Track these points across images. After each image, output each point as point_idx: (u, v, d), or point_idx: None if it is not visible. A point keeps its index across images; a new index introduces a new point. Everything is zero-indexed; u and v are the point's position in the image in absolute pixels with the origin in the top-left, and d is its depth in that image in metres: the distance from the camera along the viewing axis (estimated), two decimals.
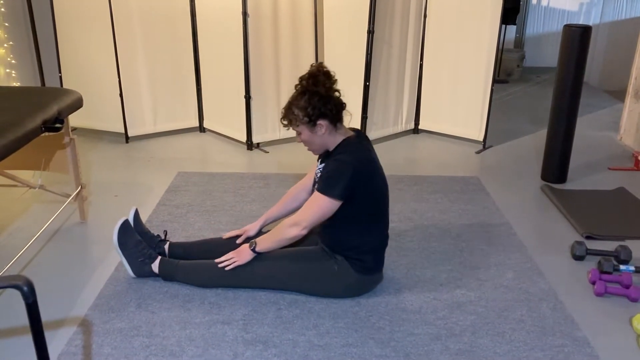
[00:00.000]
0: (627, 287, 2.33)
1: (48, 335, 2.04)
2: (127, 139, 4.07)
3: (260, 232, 2.43)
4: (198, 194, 3.21)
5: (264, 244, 2.22)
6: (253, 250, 2.23)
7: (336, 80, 2.17)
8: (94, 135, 4.20)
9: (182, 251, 2.44)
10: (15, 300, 2.22)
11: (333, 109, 2.12)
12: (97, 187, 3.32)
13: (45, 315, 2.15)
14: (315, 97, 2.09)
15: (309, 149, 2.23)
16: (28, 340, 2.01)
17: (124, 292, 2.28)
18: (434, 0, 4.00)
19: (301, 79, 2.14)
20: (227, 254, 2.28)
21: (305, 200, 2.38)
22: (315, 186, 2.20)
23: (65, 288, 2.33)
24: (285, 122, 2.17)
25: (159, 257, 2.35)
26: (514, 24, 5.99)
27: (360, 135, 2.26)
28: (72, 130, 2.74)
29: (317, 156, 2.33)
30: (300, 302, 2.23)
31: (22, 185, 2.84)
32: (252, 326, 2.07)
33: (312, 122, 2.11)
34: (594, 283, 2.39)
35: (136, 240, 2.33)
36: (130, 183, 3.40)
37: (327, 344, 1.99)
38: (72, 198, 2.78)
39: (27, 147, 2.41)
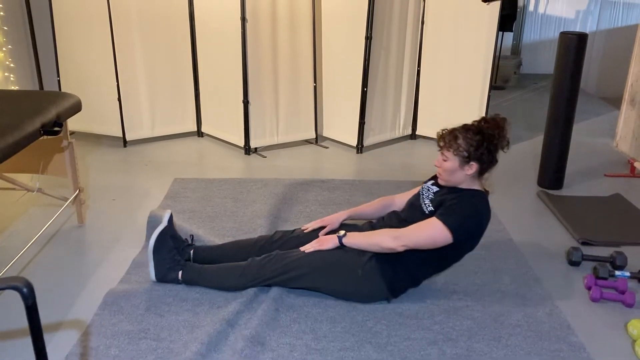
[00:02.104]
0: (623, 292, 2.34)
1: (55, 336, 2.04)
2: (125, 143, 4.07)
3: (340, 226, 2.42)
4: (198, 200, 3.21)
5: (355, 239, 2.22)
6: (340, 240, 2.23)
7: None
8: (92, 139, 4.21)
9: (208, 255, 2.45)
10: (14, 302, 2.22)
11: (492, 161, 2.16)
12: (95, 191, 3.32)
13: (51, 317, 2.15)
14: (487, 143, 2.11)
15: (440, 175, 2.22)
16: (27, 342, 2.01)
17: (134, 295, 2.28)
18: (432, 7, 4.03)
19: (484, 119, 2.17)
20: (312, 243, 2.28)
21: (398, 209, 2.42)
22: (424, 203, 2.21)
23: (64, 291, 2.33)
24: (442, 144, 2.18)
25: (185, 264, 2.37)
26: (511, 31, 6.03)
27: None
28: (70, 134, 2.75)
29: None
30: (297, 306, 2.23)
31: (20, 189, 2.84)
32: (251, 329, 2.07)
33: (467, 159, 2.12)
34: (589, 288, 2.40)
35: (169, 247, 2.34)
36: (128, 187, 3.40)
37: (324, 348, 2.00)
38: (70, 201, 2.78)
39: (26, 151, 2.41)
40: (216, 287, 2.33)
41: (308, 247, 2.27)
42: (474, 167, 2.14)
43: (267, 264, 2.26)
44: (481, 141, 2.11)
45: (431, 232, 2.11)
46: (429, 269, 2.28)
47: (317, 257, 2.24)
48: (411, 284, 2.29)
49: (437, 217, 2.12)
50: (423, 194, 2.29)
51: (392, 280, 2.22)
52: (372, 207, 2.49)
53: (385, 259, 2.20)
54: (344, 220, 2.45)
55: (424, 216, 2.19)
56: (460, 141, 2.12)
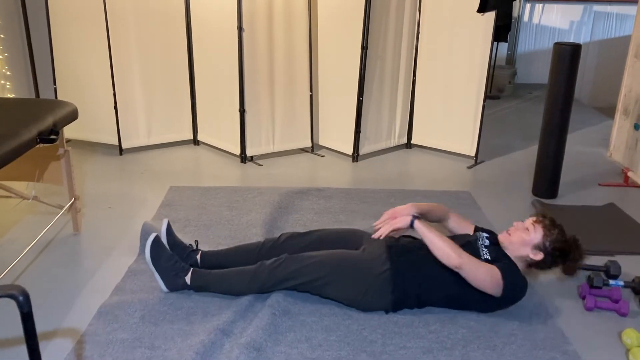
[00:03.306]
0: (617, 301, 2.35)
1: (50, 344, 2.04)
2: (121, 151, 4.07)
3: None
4: (193, 209, 3.21)
5: (427, 229, 2.20)
6: (412, 220, 2.23)
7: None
8: (88, 147, 4.21)
9: (215, 260, 2.46)
10: (9, 309, 2.21)
11: (548, 266, 2.28)
12: (91, 199, 3.32)
13: (46, 325, 2.15)
14: (563, 257, 2.25)
15: (509, 236, 2.27)
16: (22, 350, 2.01)
17: (129, 303, 2.28)
18: (427, 17, 4.06)
19: (577, 242, 2.27)
20: (385, 226, 2.26)
21: (447, 227, 2.50)
22: (482, 249, 2.27)
23: (59, 299, 2.33)
24: (540, 219, 2.27)
25: (191, 269, 2.36)
26: (506, 41, 6.07)
27: None
28: (66, 142, 2.75)
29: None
30: (293, 314, 2.24)
31: (16, 197, 2.84)
32: (246, 336, 2.06)
33: (542, 249, 2.22)
34: (584, 298, 2.41)
35: (168, 255, 2.33)
36: (123, 195, 3.40)
37: (319, 357, 2.00)
38: (66, 209, 2.78)
39: (22, 159, 2.42)
40: (226, 292, 2.33)
41: (383, 232, 2.26)
42: (538, 256, 2.22)
43: (277, 268, 2.27)
44: (563, 251, 2.23)
45: (491, 274, 2.14)
46: (440, 301, 2.28)
47: (332, 263, 2.25)
48: (416, 306, 2.30)
49: (499, 269, 2.16)
50: (479, 239, 2.33)
51: (400, 297, 2.23)
52: (433, 211, 2.46)
53: (402, 276, 2.22)
54: (414, 213, 2.41)
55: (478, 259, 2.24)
56: (554, 233, 2.22)
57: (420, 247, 2.29)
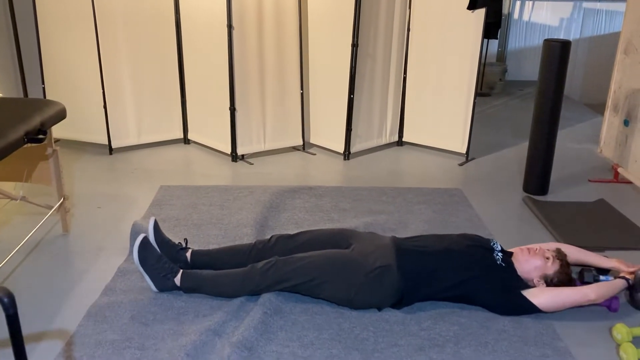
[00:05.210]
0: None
1: (39, 346, 2.02)
2: (111, 150, 4.05)
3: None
4: (183, 208, 3.19)
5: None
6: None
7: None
8: (77, 146, 4.18)
9: (206, 259, 2.44)
10: None
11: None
12: (80, 199, 3.30)
13: (35, 327, 2.13)
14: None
15: (531, 256, 2.33)
16: (9, 353, 1.99)
17: (118, 304, 2.26)
18: (417, 14, 4.06)
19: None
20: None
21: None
22: (497, 256, 2.35)
23: (48, 300, 2.31)
24: (562, 256, 2.36)
25: (181, 271, 2.34)
26: (496, 38, 6.08)
27: None
28: (55, 142, 2.73)
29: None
30: (284, 313, 2.23)
31: (4, 197, 2.81)
32: (238, 335, 2.06)
33: (547, 280, 2.31)
34: None
35: (157, 256, 2.31)
36: (113, 195, 3.38)
37: (310, 356, 1.99)
38: (55, 210, 2.75)
39: (9, 158, 2.39)
40: (216, 294, 2.32)
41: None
42: (540, 285, 2.30)
43: (268, 271, 2.25)
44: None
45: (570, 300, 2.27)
46: (448, 290, 2.29)
47: (322, 264, 2.24)
48: (422, 299, 2.32)
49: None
50: (492, 242, 2.41)
51: (409, 291, 2.24)
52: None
53: (410, 272, 2.23)
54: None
55: (491, 263, 2.30)
56: (565, 273, 2.32)
57: (424, 245, 2.33)
